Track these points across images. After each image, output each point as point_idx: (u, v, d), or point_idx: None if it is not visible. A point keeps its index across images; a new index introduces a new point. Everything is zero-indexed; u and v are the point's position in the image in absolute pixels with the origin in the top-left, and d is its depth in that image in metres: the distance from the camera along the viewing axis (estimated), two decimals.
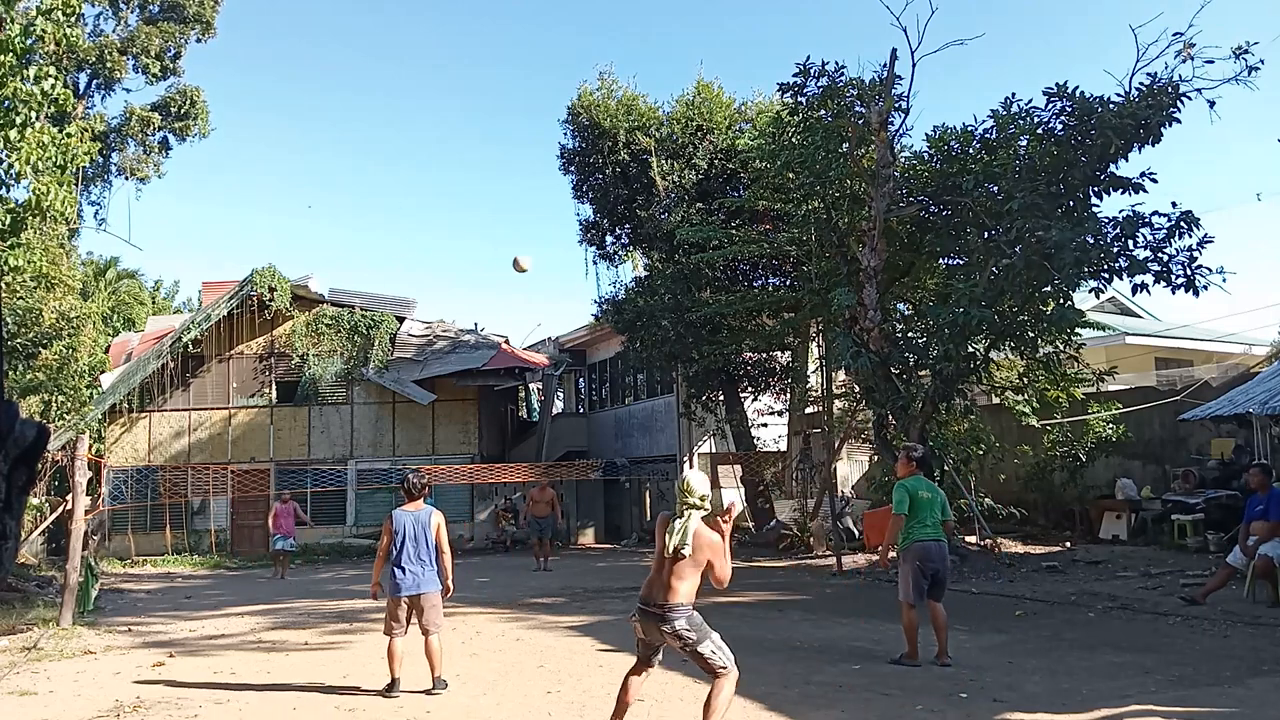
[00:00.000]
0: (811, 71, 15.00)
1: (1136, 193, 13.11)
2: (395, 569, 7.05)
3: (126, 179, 30.97)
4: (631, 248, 23.33)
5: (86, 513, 13.49)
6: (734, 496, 23.31)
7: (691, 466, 23.80)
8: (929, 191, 15.22)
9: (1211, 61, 12.62)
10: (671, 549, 5.08)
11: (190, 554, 22.49)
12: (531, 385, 29.20)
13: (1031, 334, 14.24)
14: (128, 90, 30.84)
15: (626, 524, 25.30)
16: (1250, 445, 14.50)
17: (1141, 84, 13.02)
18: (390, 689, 6.93)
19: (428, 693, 6.92)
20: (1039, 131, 13.65)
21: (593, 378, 29.68)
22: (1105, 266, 13.09)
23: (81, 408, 23.08)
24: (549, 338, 30.04)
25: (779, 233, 19.06)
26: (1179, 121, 12.86)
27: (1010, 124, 13.86)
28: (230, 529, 23.89)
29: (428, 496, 7.53)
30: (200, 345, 24.46)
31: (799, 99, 15.36)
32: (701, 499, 5.24)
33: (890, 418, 15.23)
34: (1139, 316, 24.42)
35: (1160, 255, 12.67)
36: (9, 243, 10.85)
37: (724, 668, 5.17)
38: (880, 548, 8.00)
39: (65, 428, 21.85)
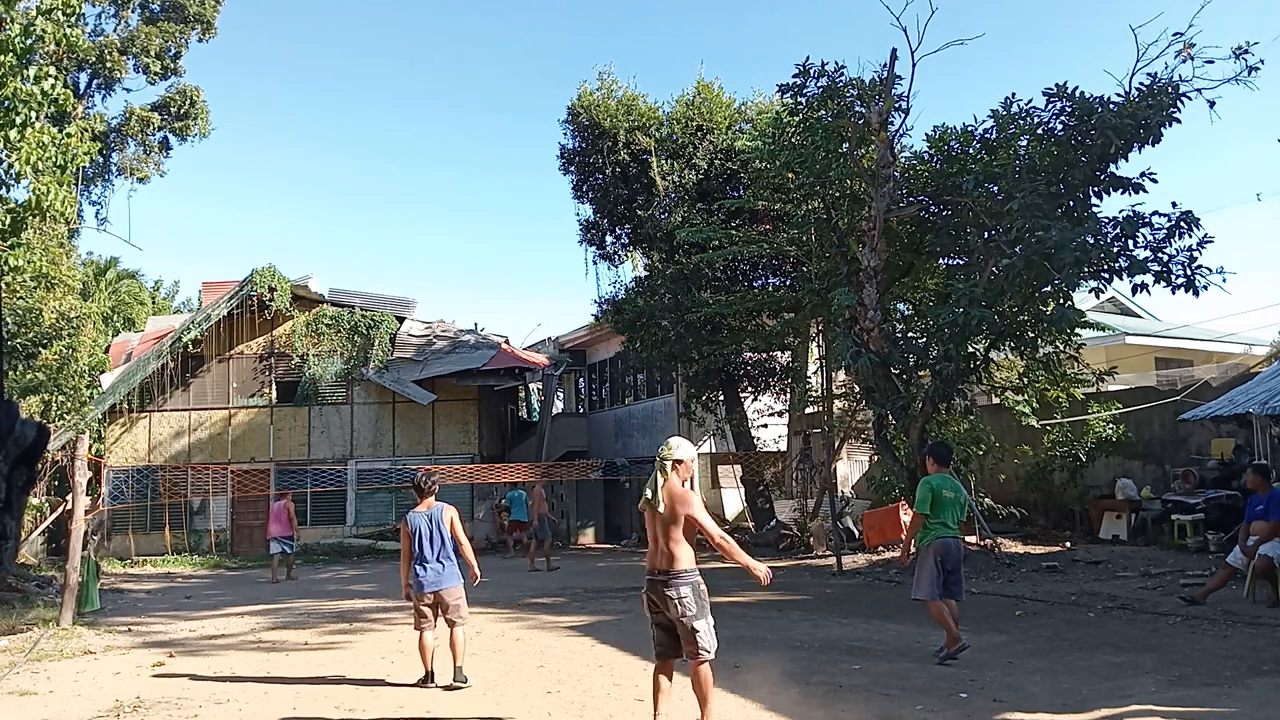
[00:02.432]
0: (811, 72, 15.01)
1: (1136, 193, 13.13)
2: (416, 568, 7.21)
3: (126, 179, 30.98)
4: (631, 248, 23.34)
5: (86, 513, 13.49)
6: (734, 496, 23.40)
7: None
8: (929, 191, 15.22)
9: (1211, 61, 12.65)
10: (642, 503, 5.38)
11: (190, 554, 22.49)
12: (531, 385, 29.20)
13: (1031, 334, 14.24)
14: (128, 90, 30.89)
15: (626, 524, 25.28)
16: (1250, 445, 14.50)
17: (1141, 84, 13.03)
18: (425, 682, 7.14)
19: (449, 687, 7.03)
20: (1039, 131, 13.66)
21: (593, 378, 29.67)
22: (1105, 266, 13.10)
23: (81, 408, 23.08)
24: (549, 338, 30.04)
25: (779, 233, 19.07)
26: (1179, 121, 12.87)
27: (1010, 124, 13.87)
28: (230, 529, 23.90)
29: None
30: (200, 345, 24.47)
31: (799, 99, 15.37)
32: (667, 455, 5.37)
33: (890, 418, 15.22)
34: (1139, 316, 24.41)
35: (1160, 255, 12.68)
36: (9, 243, 10.84)
37: (707, 652, 5.22)
38: (902, 545, 8.02)
39: (65, 428, 21.84)
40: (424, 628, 7.22)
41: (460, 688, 7.01)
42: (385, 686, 7.32)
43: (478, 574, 7.47)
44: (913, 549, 7.78)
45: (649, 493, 5.33)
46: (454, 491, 23.78)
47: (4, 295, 16.87)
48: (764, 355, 21.76)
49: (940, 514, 7.58)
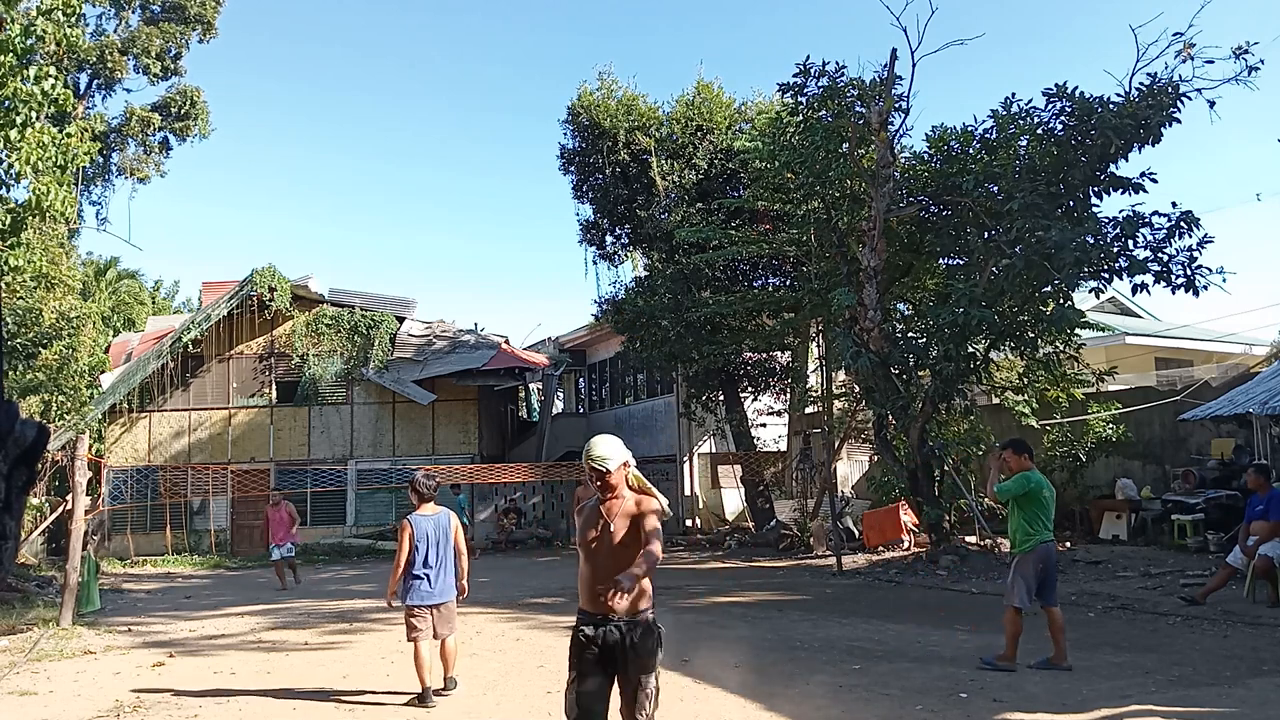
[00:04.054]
0: (812, 72, 15.02)
1: (1136, 193, 13.14)
2: (417, 577, 6.72)
3: (126, 179, 30.97)
4: (631, 248, 23.35)
5: (86, 513, 13.47)
6: (734, 496, 23.39)
7: (692, 467, 23.79)
8: (929, 191, 15.22)
9: (1211, 61, 12.66)
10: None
11: (190, 554, 22.47)
12: (531, 385, 29.19)
13: (1031, 334, 14.24)
14: (128, 90, 30.87)
15: None
16: (1250, 445, 14.49)
17: (1141, 84, 13.04)
18: (423, 699, 6.68)
19: (438, 692, 6.82)
20: (1039, 131, 13.67)
21: (593, 378, 29.67)
22: (1105, 266, 13.11)
23: (81, 408, 23.07)
24: (549, 338, 30.04)
25: (779, 233, 19.07)
26: (1179, 121, 12.88)
27: (1010, 124, 13.87)
28: (230, 529, 23.89)
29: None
30: (200, 345, 24.47)
31: (799, 99, 15.38)
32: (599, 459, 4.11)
33: (890, 418, 15.22)
34: (1139, 316, 24.42)
35: (1160, 255, 12.68)
36: (9, 243, 10.84)
37: None
38: (987, 485, 7.50)
39: (65, 428, 21.83)
40: (420, 639, 6.73)
41: (448, 693, 6.82)
42: (385, 686, 7.31)
43: (466, 589, 7.06)
44: (998, 478, 7.33)
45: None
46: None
47: (4, 295, 16.86)
48: (764, 355, 21.76)
49: (1043, 515, 7.25)
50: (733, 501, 23.71)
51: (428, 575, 6.72)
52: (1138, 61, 13.21)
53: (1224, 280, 12.48)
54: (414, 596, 6.73)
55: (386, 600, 6.95)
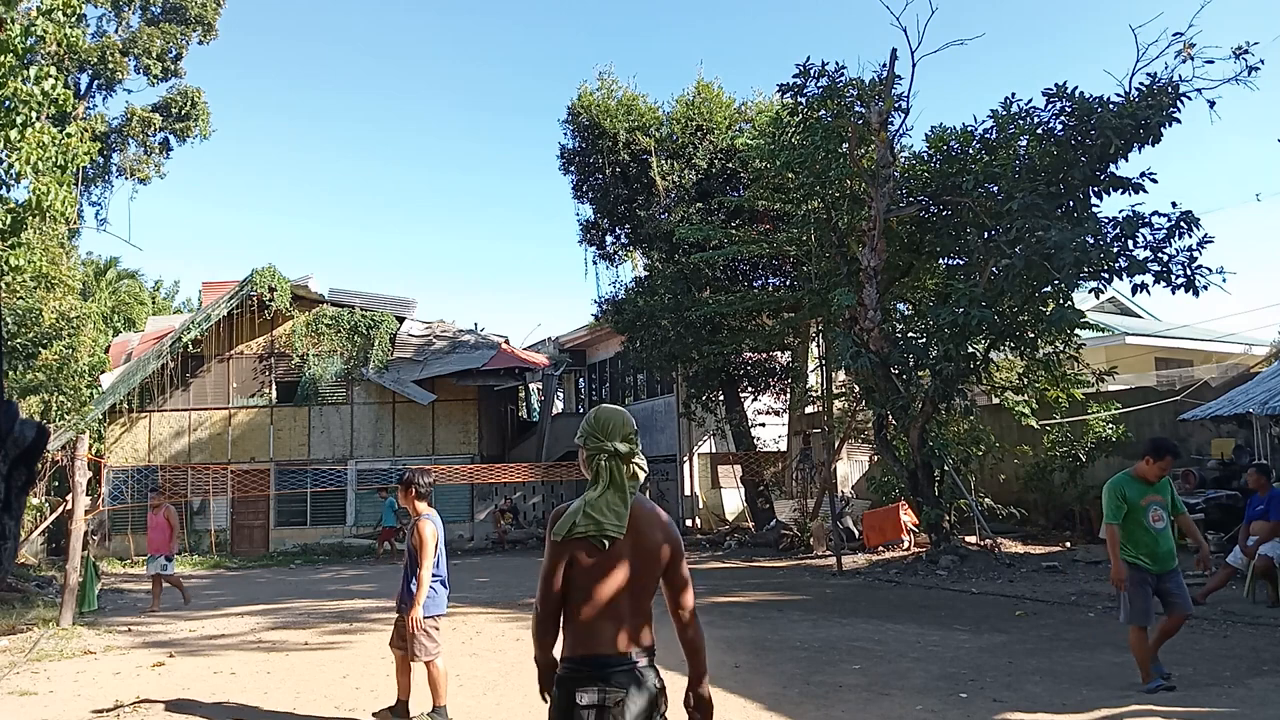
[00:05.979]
0: (811, 72, 15.03)
1: (1136, 193, 13.15)
2: (440, 584, 6.18)
3: (127, 179, 30.95)
4: (631, 248, 23.37)
5: (86, 513, 13.42)
6: (734, 496, 23.39)
7: (692, 467, 23.78)
8: (929, 191, 15.23)
9: (1211, 61, 12.70)
10: (579, 531, 2.86)
11: (190, 554, 22.48)
12: (531, 385, 29.22)
13: (1031, 334, 14.25)
14: (129, 91, 30.86)
15: None
16: (1250, 445, 14.49)
17: (1141, 84, 13.06)
18: (437, 714, 6.20)
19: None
20: (1039, 132, 13.69)
21: (593, 378, 29.68)
22: (1105, 266, 13.12)
23: (81, 408, 23.05)
24: (549, 338, 30.06)
25: (779, 233, 19.08)
26: (1179, 121, 12.90)
27: (1010, 124, 13.89)
28: (230, 529, 23.90)
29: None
30: (200, 345, 24.49)
31: (799, 99, 15.39)
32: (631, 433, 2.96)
33: (890, 418, 15.23)
34: (1139, 316, 24.42)
35: (1160, 255, 12.70)
36: (9, 243, 10.84)
37: None
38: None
39: (65, 428, 21.82)
40: (439, 657, 6.14)
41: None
42: (386, 687, 7.31)
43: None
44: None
45: (607, 516, 2.85)
46: (454, 492, 23.83)
47: (4, 295, 16.85)
48: (764, 355, 21.77)
49: None
50: (733, 501, 23.71)
51: (443, 581, 6.22)
52: (1138, 61, 13.25)
53: (1224, 280, 12.53)
54: (433, 606, 6.13)
55: (415, 616, 6.04)
